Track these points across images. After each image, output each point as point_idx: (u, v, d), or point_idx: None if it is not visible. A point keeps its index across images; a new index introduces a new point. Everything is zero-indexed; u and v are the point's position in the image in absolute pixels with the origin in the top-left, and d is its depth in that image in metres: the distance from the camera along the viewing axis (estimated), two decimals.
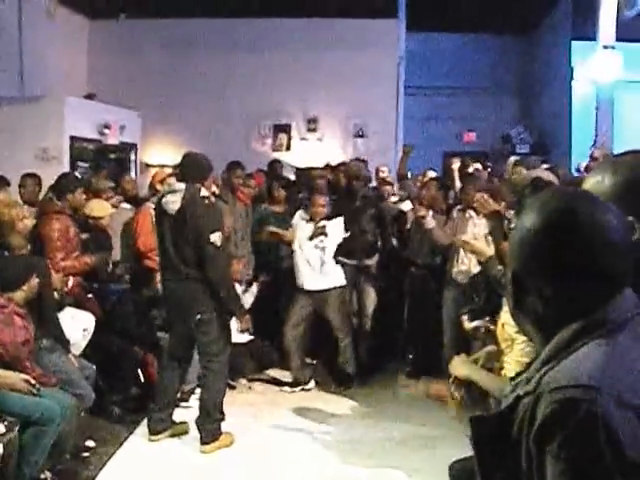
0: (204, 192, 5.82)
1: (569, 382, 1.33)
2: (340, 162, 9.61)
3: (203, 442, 5.79)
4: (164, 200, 5.73)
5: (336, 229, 7.28)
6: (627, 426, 1.28)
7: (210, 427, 5.81)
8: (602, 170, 1.86)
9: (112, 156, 11.21)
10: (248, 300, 7.70)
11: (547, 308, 1.49)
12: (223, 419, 5.90)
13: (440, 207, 7.56)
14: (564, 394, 1.32)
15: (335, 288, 7.32)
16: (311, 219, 7.33)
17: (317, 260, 7.21)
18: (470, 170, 9.06)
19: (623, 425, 1.28)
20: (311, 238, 7.20)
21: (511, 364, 3.68)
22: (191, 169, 5.82)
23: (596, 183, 1.83)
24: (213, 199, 6.20)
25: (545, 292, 1.49)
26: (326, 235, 7.21)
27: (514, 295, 1.57)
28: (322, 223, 7.25)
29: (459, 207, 7.22)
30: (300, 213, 7.47)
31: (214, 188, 6.28)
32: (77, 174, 7.10)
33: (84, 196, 6.72)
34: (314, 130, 12.85)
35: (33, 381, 4.76)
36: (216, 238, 5.62)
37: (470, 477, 1.60)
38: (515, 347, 3.68)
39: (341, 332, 7.40)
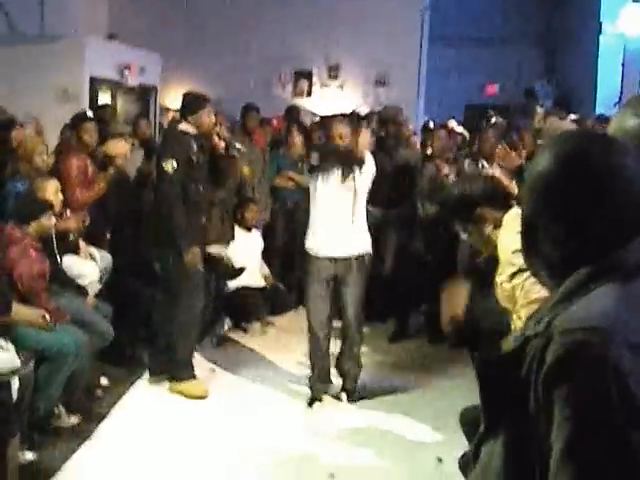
0: (183, 126, 5.81)
1: (580, 324, 1.31)
2: (370, 111, 9.50)
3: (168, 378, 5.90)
4: None
5: (369, 170, 5.73)
6: (637, 371, 1.26)
7: (173, 365, 5.87)
8: (626, 109, 1.83)
9: (131, 98, 11.14)
10: (257, 245, 7.70)
11: (560, 252, 1.47)
12: (187, 365, 5.89)
13: (448, 156, 7.52)
14: (574, 336, 1.30)
15: (363, 256, 5.77)
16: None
17: (348, 214, 5.64)
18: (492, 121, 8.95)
19: (633, 370, 1.26)
20: (343, 180, 5.58)
21: (516, 322, 3.67)
22: (181, 107, 5.95)
23: (620, 122, 1.80)
24: (222, 142, 6.12)
25: (558, 236, 1.46)
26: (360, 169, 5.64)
27: (527, 239, 1.55)
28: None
29: (471, 157, 7.18)
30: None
31: (221, 129, 6.12)
32: (90, 113, 7.03)
33: (96, 135, 6.72)
34: (335, 77, 12.72)
35: (48, 317, 4.81)
36: (169, 165, 5.60)
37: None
38: (517, 307, 3.65)
39: (355, 319, 5.83)
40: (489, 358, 1.50)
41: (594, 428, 1.24)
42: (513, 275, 3.65)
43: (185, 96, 6.00)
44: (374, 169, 5.73)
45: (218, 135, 5.99)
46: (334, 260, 5.63)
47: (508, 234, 3.67)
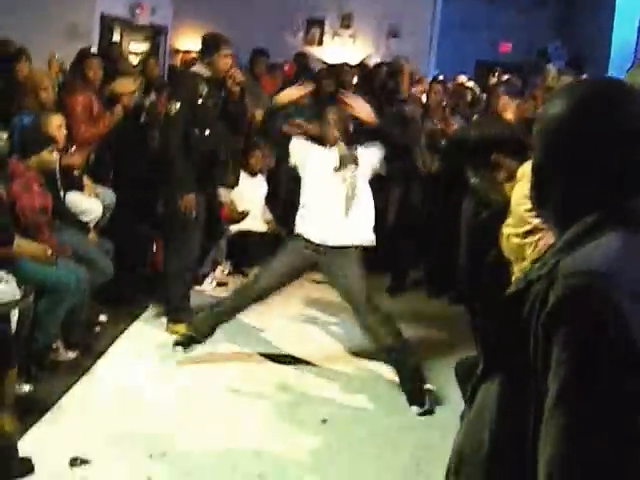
0: (196, 68, 5.84)
1: (583, 268, 1.30)
2: (379, 62, 9.43)
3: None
4: None
5: (372, 158, 5.23)
6: (636, 318, 1.26)
7: (170, 306, 5.94)
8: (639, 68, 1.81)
9: (142, 37, 11.06)
10: (261, 190, 7.69)
11: (570, 199, 1.45)
12: (181, 308, 5.94)
13: (443, 113, 7.49)
14: (576, 280, 1.29)
15: (358, 247, 5.19)
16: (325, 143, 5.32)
17: (342, 200, 5.11)
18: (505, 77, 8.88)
19: (633, 317, 1.26)
20: (339, 168, 5.12)
21: (517, 275, 3.68)
22: (200, 48, 5.96)
23: (633, 78, 1.78)
24: (237, 87, 6.06)
25: (569, 182, 1.45)
26: (357, 164, 5.17)
27: (536, 186, 1.53)
28: (353, 149, 5.22)
29: (479, 113, 7.15)
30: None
31: (237, 73, 6.04)
32: (95, 50, 6.97)
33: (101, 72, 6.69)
34: (348, 27, 12.57)
35: (50, 251, 4.83)
36: (172, 107, 5.62)
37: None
38: (525, 263, 3.66)
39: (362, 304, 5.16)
40: (492, 302, 1.49)
41: (591, 371, 1.24)
42: (527, 234, 3.65)
43: (204, 37, 5.95)
44: (377, 156, 5.24)
45: (233, 79, 5.91)
46: (321, 248, 5.14)
47: (522, 188, 3.65)
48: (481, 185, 3.86)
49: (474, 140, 3.81)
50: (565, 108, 1.46)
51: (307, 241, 5.15)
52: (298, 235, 5.22)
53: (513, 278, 3.62)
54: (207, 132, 5.75)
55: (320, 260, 5.18)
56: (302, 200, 5.26)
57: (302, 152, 5.32)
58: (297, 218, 5.27)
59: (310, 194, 5.21)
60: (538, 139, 1.51)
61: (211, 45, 5.77)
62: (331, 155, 5.17)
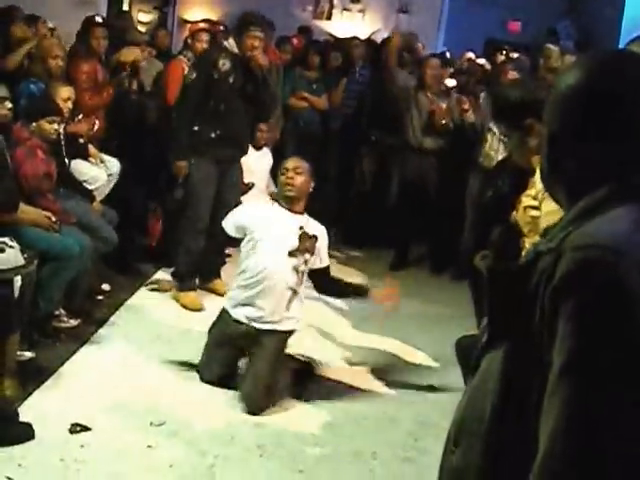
0: (228, 42, 5.95)
1: (592, 242, 1.29)
2: (387, 37, 9.38)
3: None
4: None
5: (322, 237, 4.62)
6: None
7: (176, 273, 5.97)
8: None
9: (150, 7, 10.99)
10: (267, 163, 7.66)
11: (584, 171, 1.43)
12: (185, 276, 5.94)
13: (439, 88, 7.46)
14: (585, 252, 1.28)
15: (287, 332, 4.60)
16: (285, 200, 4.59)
17: (288, 289, 4.47)
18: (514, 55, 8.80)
19: None
20: (293, 253, 4.46)
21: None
22: None
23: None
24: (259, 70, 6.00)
25: (584, 153, 1.43)
26: (312, 254, 4.53)
27: (549, 158, 1.51)
28: (311, 231, 4.54)
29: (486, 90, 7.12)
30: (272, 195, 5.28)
31: (259, 56, 5.96)
32: (99, 18, 6.90)
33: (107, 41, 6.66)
34: (357, 1, 12.49)
35: (54, 218, 4.84)
36: (189, 76, 5.85)
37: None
38: (537, 230, 3.65)
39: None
40: (500, 268, 1.49)
41: (596, 344, 1.23)
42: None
43: (242, 14, 6.08)
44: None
45: (255, 61, 5.84)
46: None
47: None
48: (509, 144, 3.76)
49: (515, 99, 3.72)
50: (584, 77, 1.44)
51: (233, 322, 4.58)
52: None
53: (523, 251, 3.62)
54: (222, 106, 5.79)
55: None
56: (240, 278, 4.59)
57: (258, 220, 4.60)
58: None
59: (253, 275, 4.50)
60: (553, 109, 1.49)
61: (242, 23, 5.89)
62: (291, 224, 4.54)
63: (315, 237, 4.52)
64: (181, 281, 5.93)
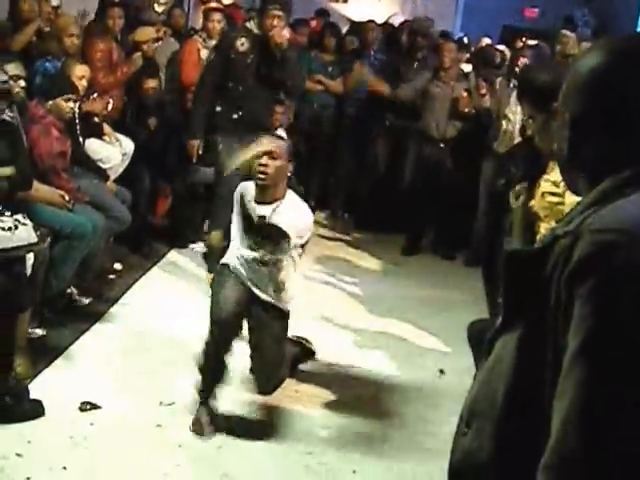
0: (249, 23, 6.01)
1: (610, 225, 1.28)
2: (404, 20, 9.33)
3: None
4: None
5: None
6: None
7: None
8: None
9: None
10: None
11: (605, 155, 1.41)
12: (212, 256, 5.80)
13: (457, 72, 7.42)
14: (603, 236, 1.26)
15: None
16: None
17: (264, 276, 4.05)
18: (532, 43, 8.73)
19: None
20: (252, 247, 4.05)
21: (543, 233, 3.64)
22: None
23: None
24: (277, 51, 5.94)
25: (606, 137, 1.40)
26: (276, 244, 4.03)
27: (570, 141, 1.49)
28: (278, 220, 4.02)
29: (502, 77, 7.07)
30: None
31: (278, 36, 5.90)
32: None
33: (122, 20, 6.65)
34: None
35: (67, 197, 4.84)
36: (209, 56, 6.10)
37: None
38: (555, 216, 3.62)
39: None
40: (516, 251, 1.47)
41: (612, 326, 1.22)
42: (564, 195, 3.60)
43: None
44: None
45: (273, 40, 5.79)
46: None
47: None
48: (532, 126, 3.70)
49: (543, 82, 3.65)
50: (607, 60, 1.41)
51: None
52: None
53: (538, 236, 3.59)
54: (240, 87, 5.82)
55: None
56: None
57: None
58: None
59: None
60: (575, 93, 1.47)
61: (263, 5, 5.94)
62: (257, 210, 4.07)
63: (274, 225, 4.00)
64: (208, 260, 5.99)
